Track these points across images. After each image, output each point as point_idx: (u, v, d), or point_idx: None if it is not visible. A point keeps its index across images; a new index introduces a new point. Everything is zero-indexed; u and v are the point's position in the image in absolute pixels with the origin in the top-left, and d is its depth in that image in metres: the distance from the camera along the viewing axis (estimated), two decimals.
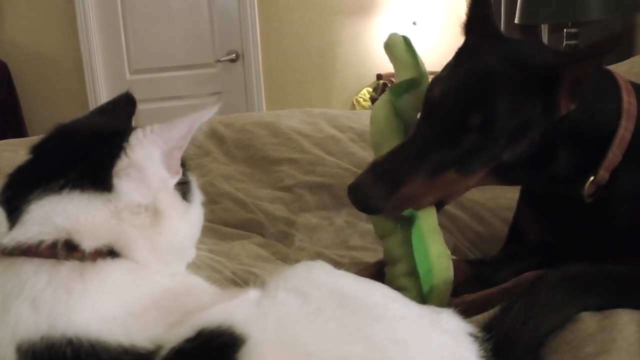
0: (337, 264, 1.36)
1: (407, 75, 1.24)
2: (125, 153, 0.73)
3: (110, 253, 0.73)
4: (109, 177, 0.72)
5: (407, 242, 1.09)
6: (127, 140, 0.73)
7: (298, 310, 0.71)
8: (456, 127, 1.06)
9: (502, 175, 1.14)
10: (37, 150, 0.78)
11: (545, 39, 3.21)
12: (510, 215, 1.45)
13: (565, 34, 2.85)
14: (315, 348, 0.67)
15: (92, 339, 0.66)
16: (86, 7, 4.03)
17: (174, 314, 0.71)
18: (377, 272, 1.18)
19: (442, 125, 1.07)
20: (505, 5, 3.32)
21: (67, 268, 0.70)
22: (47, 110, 4.03)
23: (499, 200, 1.71)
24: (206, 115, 0.77)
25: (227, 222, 1.69)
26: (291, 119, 2.33)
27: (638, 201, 1.15)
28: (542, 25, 3.21)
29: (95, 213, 0.71)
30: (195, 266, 0.86)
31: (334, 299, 0.73)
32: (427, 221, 1.10)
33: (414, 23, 4.14)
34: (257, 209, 1.76)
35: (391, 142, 1.15)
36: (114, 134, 0.75)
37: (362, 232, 1.62)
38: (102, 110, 0.90)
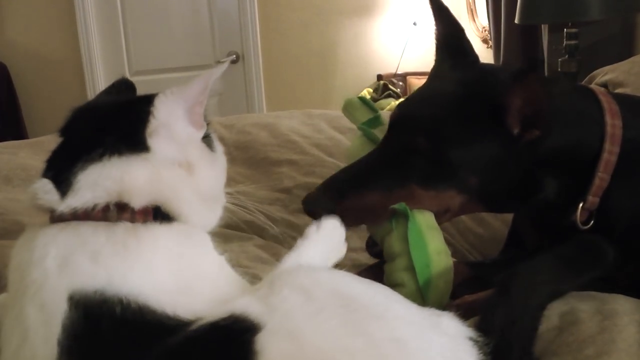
0: (338, 266, 1.36)
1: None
2: (154, 115, 0.80)
3: (157, 215, 0.79)
4: (143, 139, 0.79)
5: (406, 238, 1.09)
6: (153, 104, 0.81)
7: (302, 306, 0.72)
8: (403, 148, 1.10)
9: (488, 204, 1.16)
10: (66, 131, 0.85)
11: (545, 39, 3.20)
12: (511, 217, 1.45)
13: (565, 34, 2.85)
14: (319, 340, 0.69)
15: (141, 302, 0.71)
16: (86, 8, 4.03)
17: (212, 300, 0.76)
18: (377, 274, 1.18)
19: (393, 145, 1.13)
20: (505, 5, 3.31)
21: (122, 228, 0.76)
22: (47, 112, 4.03)
23: None
24: (218, 72, 0.84)
25: (226, 223, 1.68)
26: (291, 120, 2.32)
27: (633, 219, 1.14)
28: (542, 26, 3.21)
29: (138, 173, 0.78)
30: (228, 211, 0.98)
31: (335, 298, 0.74)
32: (425, 218, 1.10)
33: (415, 23, 4.14)
34: (256, 210, 1.75)
35: None
36: (139, 101, 0.83)
37: (361, 233, 1.61)
38: (108, 92, 0.99)
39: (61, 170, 0.79)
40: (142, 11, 4.14)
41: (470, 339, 0.80)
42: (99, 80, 4.13)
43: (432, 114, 1.10)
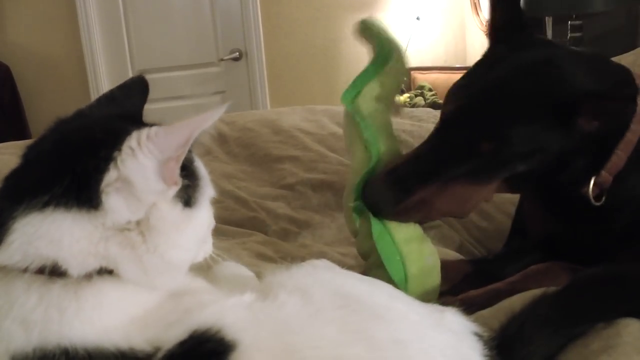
0: (341, 263, 1.35)
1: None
2: (115, 165, 0.66)
3: (106, 271, 0.68)
4: (95, 194, 0.66)
5: (371, 234, 1.07)
6: (119, 149, 0.66)
7: (298, 312, 0.69)
8: (467, 149, 1.06)
9: (512, 187, 1.14)
10: (29, 155, 0.74)
11: (549, 31, 3.18)
12: (514, 210, 1.44)
13: (569, 26, 2.83)
14: (312, 353, 0.65)
15: (88, 346, 0.64)
16: (87, 8, 4.03)
17: (175, 312, 0.69)
18: None
19: (454, 143, 1.07)
20: None
21: (60, 286, 0.66)
22: (50, 112, 3.96)
23: (505, 194, 1.68)
24: (209, 120, 0.68)
25: (228, 220, 1.68)
26: (293, 117, 2.32)
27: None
28: (546, 18, 3.19)
29: (81, 235, 0.66)
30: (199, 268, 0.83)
31: (336, 299, 0.72)
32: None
33: (418, 18, 4.12)
34: (258, 207, 1.75)
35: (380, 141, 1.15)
36: (105, 142, 0.68)
37: None
38: (113, 97, 0.85)
39: (4, 209, 0.68)
40: (144, 10, 4.13)
41: (475, 334, 0.79)
42: (101, 80, 4.12)
43: (500, 116, 1.04)
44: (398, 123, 2.26)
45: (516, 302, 0.94)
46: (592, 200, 1.11)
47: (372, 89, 1.17)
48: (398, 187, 1.07)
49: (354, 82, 1.19)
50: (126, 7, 4.11)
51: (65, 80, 4.15)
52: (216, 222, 1.63)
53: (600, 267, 0.94)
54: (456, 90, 1.13)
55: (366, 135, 1.13)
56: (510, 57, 1.10)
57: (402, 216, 1.08)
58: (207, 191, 0.77)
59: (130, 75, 4.16)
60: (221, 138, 2.20)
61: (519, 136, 1.03)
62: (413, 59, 4.16)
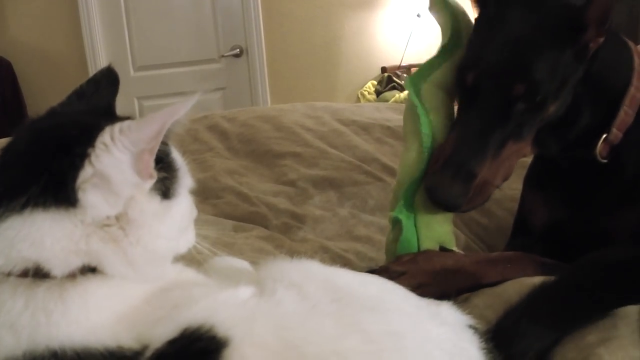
0: (342, 258, 1.35)
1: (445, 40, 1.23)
2: (90, 161, 0.65)
3: (89, 269, 0.68)
4: (72, 191, 0.65)
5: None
6: (92, 146, 0.66)
7: (296, 308, 0.69)
8: (503, 103, 1.08)
9: (538, 141, 1.15)
10: (3, 157, 0.72)
11: None
12: (514, 206, 1.44)
13: None
14: (312, 348, 0.65)
15: (77, 347, 0.64)
16: (89, 4, 4.03)
17: (163, 307, 0.69)
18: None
19: (490, 104, 1.09)
20: None
21: (44, 289, 0.66)
22: None
23: (505, 191, 1.69)
24: (180, 110, 0.67)
25: (230, 215, 1.69)
26: (294, 113, 2.33)
27: None
28: None
29: (62, 234, 0.66)
30: (194, 261, 0.83)
31: (327, 292, 0.72)
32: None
33: (418, 15, 4.12)
34: (260, 202, 1.76)
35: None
36: (78, 139, 0.67)
37: (366, 222, 1.62)
38: (83, 93, 0.83)
39: None
40: (145, 6, 4.13)
41: (471, 327, 0.80)
42: None
43: (519, 58, 1.08)
44: (398, 120, 2.27)
45: (512, 293, 0.95)
46: (598, 157, 1.15)
47: (438, 77, 1.19)
48: (462, 177, 1.09)
49: (421, 67, 1.22)
50: (127, 3, 4.11)
51: (66, 76, 4.15)
52: (218, 217, 1.65)
53: (592, 257, 0.95)
54: (467, 62, 1.15)
55: (424, 131, 1.15)
56: (503, 10, 1.13)
57: (472, 203, 1.11)
58: (186, 182, 0.77)
59: (132, 71, 4.17)
60: (222, 134, 2.21)
61: (545, 68, 1.06)
62: (414, 56, 4.17)
